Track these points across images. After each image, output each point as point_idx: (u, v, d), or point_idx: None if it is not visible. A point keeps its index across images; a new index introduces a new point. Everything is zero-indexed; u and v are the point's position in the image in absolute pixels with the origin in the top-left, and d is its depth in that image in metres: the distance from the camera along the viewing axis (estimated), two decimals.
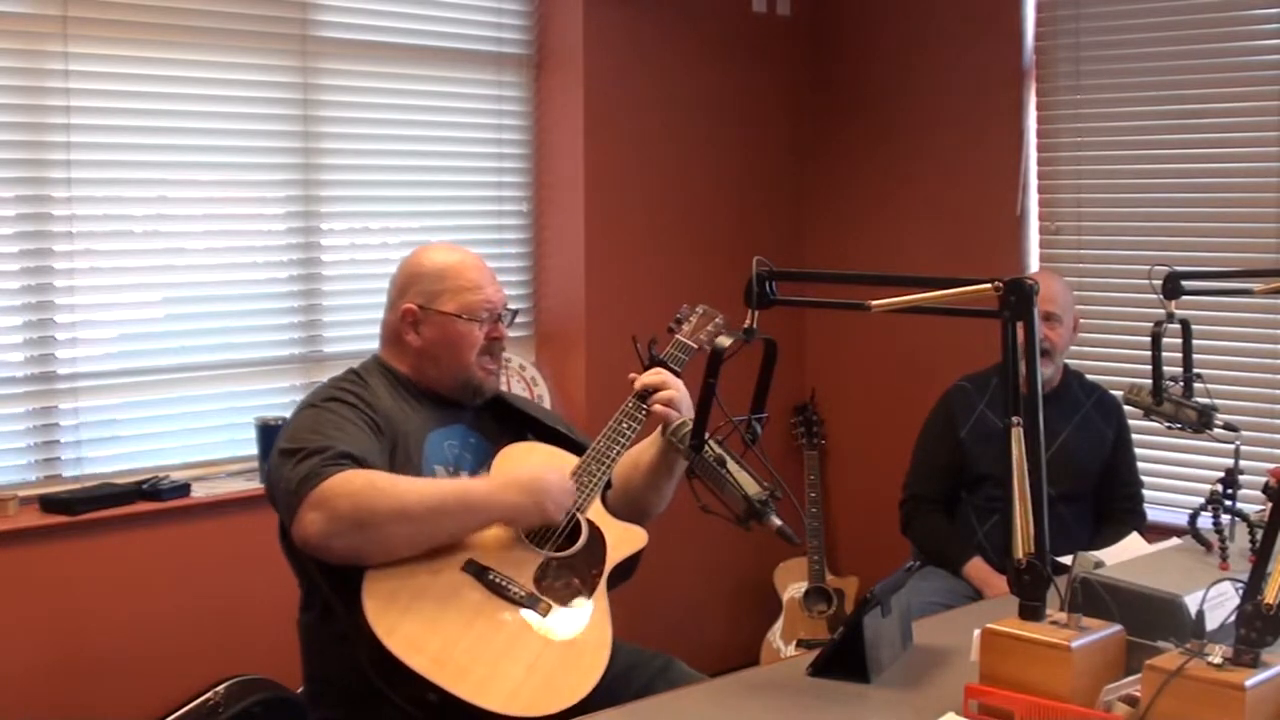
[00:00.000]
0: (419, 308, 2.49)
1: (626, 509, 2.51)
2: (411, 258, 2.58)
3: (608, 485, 2.51)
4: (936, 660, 2.20)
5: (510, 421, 2.62)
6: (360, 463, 2.25)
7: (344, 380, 2.48)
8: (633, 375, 2.52)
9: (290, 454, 2.26)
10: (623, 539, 2.43)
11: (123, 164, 3.44)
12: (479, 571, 2.25)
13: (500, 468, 2.45)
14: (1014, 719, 1.82)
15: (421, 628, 2.14)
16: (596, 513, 2.45)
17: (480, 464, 2.50)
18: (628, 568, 2.43)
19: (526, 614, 2.23)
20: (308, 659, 2.47)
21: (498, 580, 2.25)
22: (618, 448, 2.46)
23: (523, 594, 2.25)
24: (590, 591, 2.32)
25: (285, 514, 2.27)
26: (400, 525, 2.19)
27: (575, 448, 2.55)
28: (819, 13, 4.82)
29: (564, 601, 2.28)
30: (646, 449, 2.53)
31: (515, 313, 2.62)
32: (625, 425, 2.47)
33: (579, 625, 2.26)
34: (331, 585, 2.27)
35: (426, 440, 2.45)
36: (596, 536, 2.40)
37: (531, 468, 2.40)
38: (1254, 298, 3.32)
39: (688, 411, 2.41)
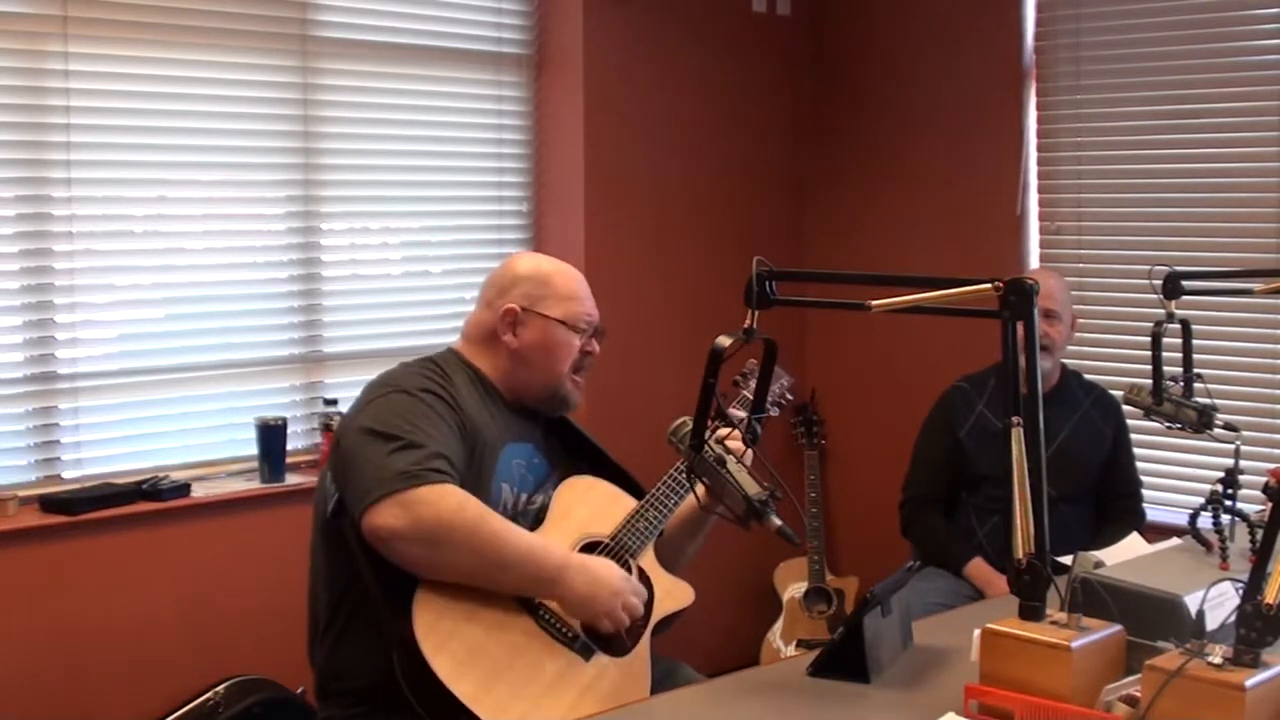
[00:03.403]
0: (521, 309, 2.44)
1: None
2: (513, 261, 2.55)
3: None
4: (936, 660, 2.20)
5: (572, 448, 2.58)
6: (453, 468, 2.20)
7: (428, 371, 2.39)
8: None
9: (383, 438, 2.19)
10: (670, 593, 2.41)
11: (123, 164, 3.44)
12: (531, 607, 2.23)
13: (562, 502, 2.41)
14: (1014, 719, 1.82)
15: (468, 654, 2.12)
16: (648, 562, 2.42)
17: (538, 486, 2.46)
18: (667, 621, 2.41)
19: (572, 657, 2.22)
20: (323, 653, 2.39)
21: (548, 618, 2.23)
22: (676, 496, 2.42)
23: (571, 635, 2.23)
24: (634, 642, 2.31)
25: (360, 497, 2.15)
26: (469, 559, 2.15)
27: (631, 485, 2.51)
28: (819, 12, 4.82)
29: (609, 649, 2.27)
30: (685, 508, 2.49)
31: (605, 332, 2.58)
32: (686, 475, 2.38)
33: (621, 675, 2.25)
34: (377, 576, 2.21)
35: (502, 452, 2.40)
36: (646, 587, 2.37)
37: (609, 567, 2.30)
38: (1254, 298, 3.32)
39: (747, 459, 2.33)
